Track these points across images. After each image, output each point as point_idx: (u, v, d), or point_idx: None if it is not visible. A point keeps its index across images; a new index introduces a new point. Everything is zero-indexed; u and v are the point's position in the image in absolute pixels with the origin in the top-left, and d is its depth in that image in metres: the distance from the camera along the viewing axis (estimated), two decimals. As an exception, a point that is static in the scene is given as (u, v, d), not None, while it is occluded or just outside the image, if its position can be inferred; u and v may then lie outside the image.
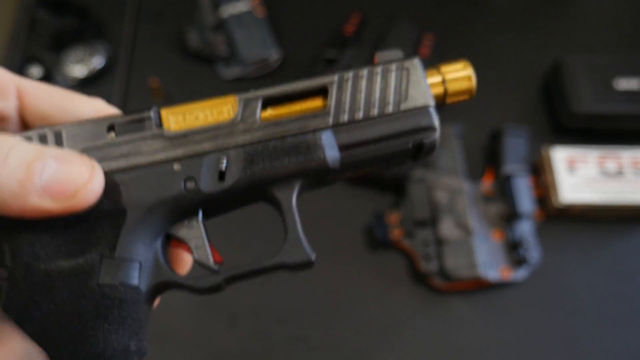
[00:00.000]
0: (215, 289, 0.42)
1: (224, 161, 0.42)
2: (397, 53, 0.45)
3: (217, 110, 0.44)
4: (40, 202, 0.36)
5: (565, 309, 0.83)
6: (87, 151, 0.41)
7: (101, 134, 0.42)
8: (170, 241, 0.44)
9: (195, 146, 0.43)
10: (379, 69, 0.45)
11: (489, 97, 0.97)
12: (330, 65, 0.95)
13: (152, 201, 0.42)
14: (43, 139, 0.41)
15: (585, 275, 0.86)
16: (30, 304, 0.39)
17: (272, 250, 0.43)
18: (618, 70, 0.95)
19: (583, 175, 0.87)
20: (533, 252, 0.83)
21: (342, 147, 0.43)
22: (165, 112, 0.43)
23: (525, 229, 0.84)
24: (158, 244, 0.43)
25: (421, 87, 0.45)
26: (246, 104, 0.43)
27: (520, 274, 0.82)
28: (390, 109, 0.44)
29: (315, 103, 0.44)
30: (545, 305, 0.83)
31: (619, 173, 0.88)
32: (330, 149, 0.43)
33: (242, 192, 0.43)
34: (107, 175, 0.41)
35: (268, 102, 0.44)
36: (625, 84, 0.93)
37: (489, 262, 0.82)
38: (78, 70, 1.01)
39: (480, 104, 0.93)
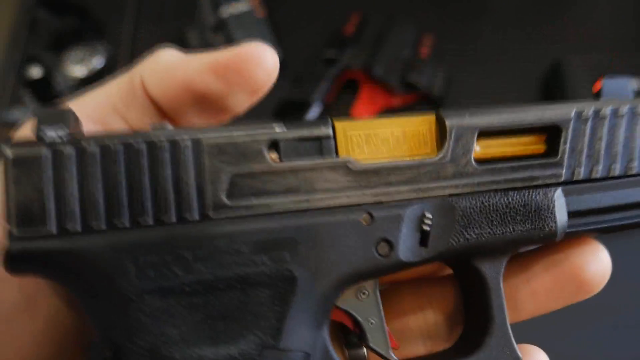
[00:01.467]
0: None
1: (430, 218, 0.30)
2: (625, 84, 0.35)
3: (412, 134, 0.31)
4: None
5: (565, 309, 0.83)
6: (237, 180, 0.29)
7: (259, 154, 0.29)
8: (332, 314, 0.32)
9: (390, 189, 0.30)
10: (625, 110, 0.33)
11: (489, 97, 0.97)
12: (330, 65, 0.95)
13: (334, 270, 0.29)
14: (174, 150, 0.29)
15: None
16: None
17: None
18: (618, 70, 0.95)
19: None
20: (533, 252, 0.82)
21: (572, 214, 0.32)
22: (341, 128, 0.31)
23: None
24: (327, 325, 0.31)
25: None
26: (459, 136, 0.31)
27: (520, 274, 0.82)
28: (635, 168, 0.33)
29: (537, 144, 0.33)
30: (545, 305, 0.83)
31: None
32: (560, 214, 0.32)
33: (439, 261, 0.32)
34: (269, 217, 0.29)
35: (481, 135, 0.32)
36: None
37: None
38: (78, 70, 1.01)
39: (481, 104, 0.93)
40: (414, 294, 0.39)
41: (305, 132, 0.30)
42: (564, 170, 0.32)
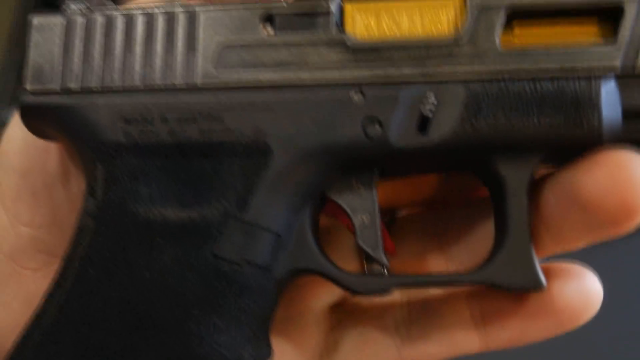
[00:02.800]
0: (380, 294, 0.30)
1: (431, 100, 0.27)
2: None
3: (432, 17, 0.28)
4: None
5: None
6: (229, 47, 0.29)
7: (252, 26, 0.29)
8: (324, 207, 0.31)
9: (389, 68, 0.28)
10: None
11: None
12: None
13: (313, 143, 0.28)
14: (170, 20, 0.31)
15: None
16: (117, 262, 0.28)
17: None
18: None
19: (583, 175, 0.87)
20: (533, 252, 0.82)
21: (629, 113, 0.27)
22: (350, 8, 0.29)
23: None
24: (307, 211, 0.30)
25: None
26: (481, 14, 0.27)
27: (520, 273, 0.82)
28: None
29: (588, 30, 0.28)
30: (545, 305, 0.83)
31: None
32: (610, 111, 0.27)
33: (447, 154, 0.28)
34: (250, 89, 0.29)
35: (513, 17, 0.28)
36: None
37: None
38: (78, 70, 1.01)
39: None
40: (438, 221, 0.37)
41: (306, 6, 0.29)
42: (620, 57, 0.26)
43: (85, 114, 0.31)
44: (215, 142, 0.29)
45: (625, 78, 0.27)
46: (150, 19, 0.32)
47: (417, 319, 0.35)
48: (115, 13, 0.32)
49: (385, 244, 0.30)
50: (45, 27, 0.32)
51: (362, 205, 0.29)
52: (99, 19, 0.32)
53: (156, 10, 0.32)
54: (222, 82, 0.30)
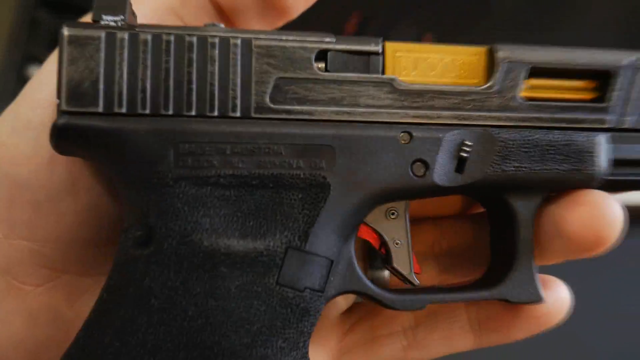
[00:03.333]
0: (417, 309, 0.33)
1: (469, 146, 0.31)
2: None
3: (461, 64, 0.31)
4: None
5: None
6: (283, 80, 0.30)
7: (306, 62, 0.30)
8: (359, 231, 0.33)
9: (431, 112, 0.31)
10: None
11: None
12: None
13: (367, 180, 0.30)
14: (225, 45, 0.30)
15: (585, 275, 0.86)
16: (180, 291, 0.28)
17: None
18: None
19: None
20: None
21: (616, 162, 0.33)
22: (391, 49, 0.31)
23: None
24: (353, 238, 0.32)
25: None
26: (509, 70, 0.31)
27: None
28: None
29: (586, 89, 0.33)
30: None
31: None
32: (603, 161, 0.32)
33: (475, 191, 0.33)
34: (310, 124, 0.30)
35: (531, 73, 0.32)
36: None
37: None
38: (78, 70, 1.01)
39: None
40: (435, 229, 0.40)
41: (354, 46, 0.30)
42: (611, 117, 0.32)
43: (132, 139, 0.29)
44: (275, 174, 0.29)
45: (615, 132, 0.32)
46: (203, 42, 0.30)
47: (423, 323, 0.38)
48: (162, 32, 0.30)
49: (414, 266, 0.33)
50: (83, 41, 0.29)
51: (396, 231, 0.32)
52: (147, 37, 0.29)
53: (210, 33, 0.30)
54: (277, 114, 0.30)
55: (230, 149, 0.29)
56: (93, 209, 0.34)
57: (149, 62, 0.29)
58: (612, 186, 0.34)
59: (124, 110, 0.29)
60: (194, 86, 0.29)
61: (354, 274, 0.31)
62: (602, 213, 0.33)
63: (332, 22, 1.07)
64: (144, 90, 0.29)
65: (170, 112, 0.29)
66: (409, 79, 0.31)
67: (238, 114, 0.30)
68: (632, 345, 0.82)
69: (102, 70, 0.29)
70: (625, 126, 0.32)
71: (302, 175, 0.29)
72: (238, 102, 0.29)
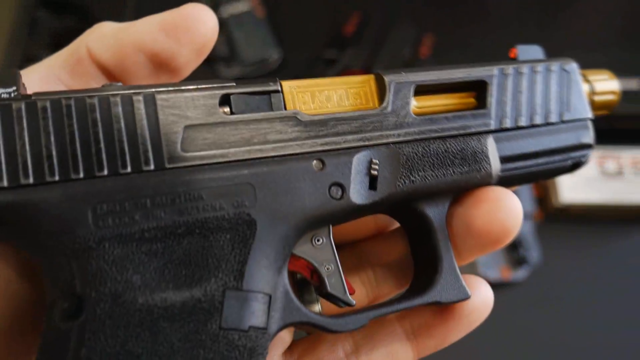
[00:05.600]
0: (359, 328, 0.33)
1: (377, 163, 0.33)
2: (537, 50, 0.39)
3: (354, 93, 0.34)
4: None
5: (565, 309, 0.83)
6: (194, 130, 0.30)
7: (211, 107, 0.30)
8: (289, 263, 0.33)
9: (338, 138, 0.32)
10: (540, 68, 0.37)
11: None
12: (330, 65, 0.95)
13: (290, 210, 0.31)
14: (127, 102, 0.29)
15: (585, 275, 0.86)
16: (121, 356, 0.27)
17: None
18: (616, 70, 0.95)
19: (583, 175, 0.87)
20: (533, 252, 0.83)
21: (503, 159, 0.36)
22: (288, 86, 0.33)
23: (525, 228, 0.84)
24: (286, 270, 0.32)
25: (582, 96, 0.38)
26: (397, 90, 0.34)
27: (520, 273, 0.83)
28: (553, 117, 0.37)
29: (468, 99, 0.37)
30: (544, 305, 0.83)
31: (619, 173, 0.88)
32: (495, 159, 0.36)
33: (388, 205, 0.34)
34: (226, 166, 0.30)
35: (417, 91, 0.35)
36: (624, 83, 0.94)
37: (489, 262, 0.82)
38: (78, 70, 1.01)
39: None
40: (353, 255, 0.41)
41: (255, 87, 0.32)
42: (492, 120, 0.35)
43: (45, 209, 0.27)
44: (200, 219, 0.29)
45: (498, 132, 0.35)
46: (105, 101, 0.29)
47: (363, 345, 0.39)
48: (61, 97, 0.29)
49: (348, 287, 0.33)
50: None
51: (324, 257, 0.33)
52: (45, 104, 0.28)
53: (110, 92, 0.29)
54: (191, 162, 0.30)
55: (150, 202, 0.29)
56: (5, 300, 0.31)
57: (51, 129, 0.28)
58: (505, 182, 0.37)
59: (31, 180, 0.27)
60: (102, 146, 0.29)
61: (292, 304, 0.31)
62: (504, 205, 0.35)
63: (332, 22, 1.07)
64: (50, 157, 0.28)
65: (82, 175, 0.28)
66: (310, 112, 0.33)
67: (152, 167, 0.29)
68: (632, 345, 0.82)
69: (1, 143, 0.27)
70: (506, 126, 0.36)
71: (226, 216, 0.29)
72: (150, 155, 0.29)
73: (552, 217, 0.87)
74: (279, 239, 0.30)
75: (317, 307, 0.37)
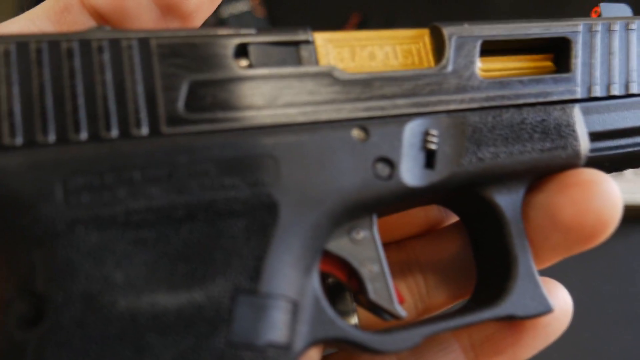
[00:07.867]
0: (411, 348, 0.26)
1: (435, 135, 0.26)
2: (624, 9, 0.32)
3: (405, 50, 0.27)
4: None
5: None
6: (201, 86, 0.23)
7: (225, 59, 0.24)
8: (321, 261, 0.26)
9: (385, 102, 0.25)
10: (635, 25, 0.31)
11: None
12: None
13: (326, 192, 0.24)
14: (114, 51, 0.23)
15: (585, 275, 0.86)
16: None
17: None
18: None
19: (583, 175, 0.87)
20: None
21: (592, 136, 0.29)
22: (321, 38, 0.26)
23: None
24: (316, 270, 0.25)
25: None
26: (460, 47, 0.27)
27: (520, 274, 0.82)
28: None
29: (544, 62, 0.31)
30: (544, 305, 0.83)
31: (619, 173, 0.88)
32: (582, 135, 0.29)
33: (448, 189, 0.27)
34: (241, 133, 0.23)
35: (482, 51, 0.29)
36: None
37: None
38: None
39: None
40: (398, 256, 0.34)
41: (279, 37, 0.25)
42: (579, 87, 0.28)
43: (0, 181, 0.21)
44: (205, 200, 0.22)
45: (586, 103, 0.29)
46: (87, 47, 0.23)
47: None
48: (30, 39, 0.23)
49: (396, 293, 0.27)
50: None
51: (366, 255, 0.25)
52: (9, 47, 0.22)
53: (95, 36, 0.23)
54: (197, 125, 0.23)
55: (140, 175, 0.22)
56: None
57: (14, 78, 0.22)
58: (593, 166, 0.30)
59: None
60: (81, 102, 0.22)
61: (324, 315, 0.24)
62: (600, 190, 0.28)
63: (332, 22, 1.07)
64: (11, 114, 0.21)
65: (52, 138, 0.22)
66: (350, 70, 0.26)
67: (144, 131, 0.23)
68: (633, 345, 0.82)
69: None
70: (596, 94, 0.29)
71: (241, 197, 0.22)
72: (143, 115, 0.23)
73: (552, 217, 0.87)
74: (308, 229, 0.23)
75: (353, 320, 0.31)
